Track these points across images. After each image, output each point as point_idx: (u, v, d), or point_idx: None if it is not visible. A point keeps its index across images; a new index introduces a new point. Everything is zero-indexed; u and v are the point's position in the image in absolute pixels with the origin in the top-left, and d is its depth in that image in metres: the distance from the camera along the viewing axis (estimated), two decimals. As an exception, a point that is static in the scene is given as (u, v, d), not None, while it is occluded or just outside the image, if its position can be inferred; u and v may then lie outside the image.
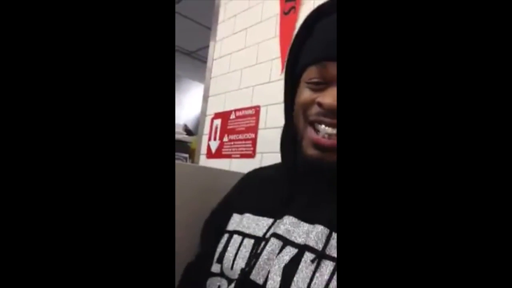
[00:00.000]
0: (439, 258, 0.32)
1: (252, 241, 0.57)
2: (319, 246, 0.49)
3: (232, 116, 1.63)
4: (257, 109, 1.50)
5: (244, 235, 0.59)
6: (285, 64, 0.62)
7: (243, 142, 1.54)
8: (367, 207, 0.34)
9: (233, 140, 1.60)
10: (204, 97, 1.85)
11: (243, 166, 1.52)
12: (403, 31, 0.35)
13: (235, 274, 0.55)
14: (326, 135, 0.52)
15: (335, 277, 0.46)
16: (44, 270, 0.35)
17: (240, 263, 0.56)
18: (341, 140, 0.35)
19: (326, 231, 0.50)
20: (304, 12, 1.39)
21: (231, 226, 0.63)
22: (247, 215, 0.62)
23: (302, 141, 0.55)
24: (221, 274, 0.58)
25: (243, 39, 1.68)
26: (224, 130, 1.66)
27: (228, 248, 0.59)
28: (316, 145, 0.52)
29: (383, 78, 0.35)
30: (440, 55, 0.34)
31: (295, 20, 1.40)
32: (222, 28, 1.85)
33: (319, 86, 0.54)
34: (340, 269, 0.33)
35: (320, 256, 0.49)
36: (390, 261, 0.33)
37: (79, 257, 0.35)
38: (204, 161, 1.76)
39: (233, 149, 1.59)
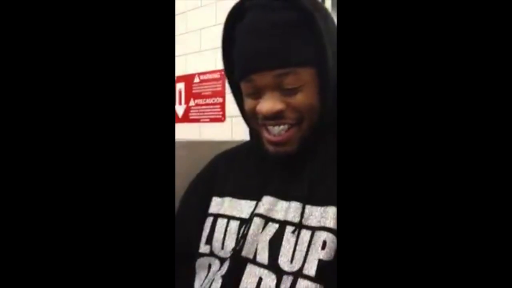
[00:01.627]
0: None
1: (238, 222, 0.64)
2: (297, 219, 0.58)
3: (196, 80, 1.60)
4: (222, 73, 1.48)
5: (229, 217, 0.65)
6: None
7: (211, 106, 1.54)
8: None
9: (201, 105, 1.59)
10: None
11: (214, 131, 1.53)
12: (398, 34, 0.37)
13: (226, 253, 0.62)
14: (275, 134, 0.61)
15: (313, 241, 0.56)
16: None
17: (230, 243, 0.62)
18: (341, 137, 0.40)
19: (300, 205, 0.59)
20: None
21: (213, 210, 0.68)
22: (228, 198, 0.67)
23: (262, 139, 0.64)
24: (211, 254, 0.64)
25: (198, -3, 1.60)
26: (189, 94, 1.64)
27: (216, 230, 0.65)
28: (271, 143, 0.62)
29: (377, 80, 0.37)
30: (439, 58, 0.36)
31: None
32: (173, -17, 1.74)
33: (255, 95, 0.61)
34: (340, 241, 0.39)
35: (299, 227, 0.57)
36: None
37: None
38: (171, 125, 1.75)
39: (201, 114, 1.59)
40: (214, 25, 1.53)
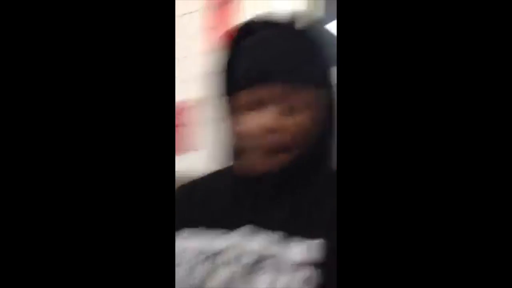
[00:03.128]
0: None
1: (210, 253, 0.60)
2: (275, 250, 0.55)
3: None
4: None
5: (201, 249, 0.62)
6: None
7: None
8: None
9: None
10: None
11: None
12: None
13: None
14: (266, 149, 0.58)
15: (295, 275, 0.52)
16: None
17: (200, 276, 0.59)
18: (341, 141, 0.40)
19: (279, 235, 0.56)
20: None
21: (183, 241, 0.65)
22: (200, 228, 0.64)
23: (245, 161, 0.61)
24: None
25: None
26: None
27: (186, 263, 0.62)
28: (257, 164, 0.59)
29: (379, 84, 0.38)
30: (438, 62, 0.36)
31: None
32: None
33: (253, 108, 0.59)
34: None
35: (276, 259, 0.54)
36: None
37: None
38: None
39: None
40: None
